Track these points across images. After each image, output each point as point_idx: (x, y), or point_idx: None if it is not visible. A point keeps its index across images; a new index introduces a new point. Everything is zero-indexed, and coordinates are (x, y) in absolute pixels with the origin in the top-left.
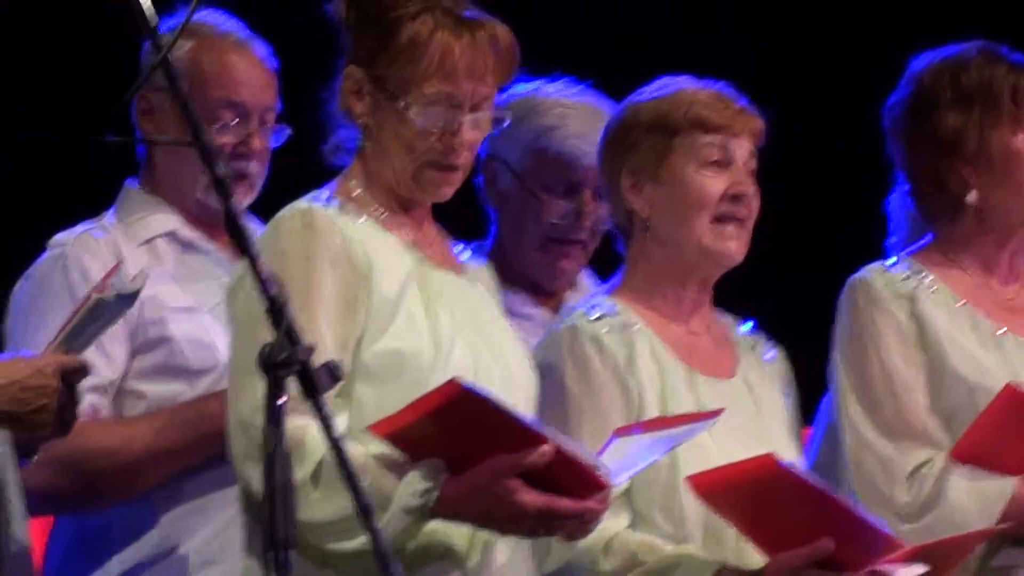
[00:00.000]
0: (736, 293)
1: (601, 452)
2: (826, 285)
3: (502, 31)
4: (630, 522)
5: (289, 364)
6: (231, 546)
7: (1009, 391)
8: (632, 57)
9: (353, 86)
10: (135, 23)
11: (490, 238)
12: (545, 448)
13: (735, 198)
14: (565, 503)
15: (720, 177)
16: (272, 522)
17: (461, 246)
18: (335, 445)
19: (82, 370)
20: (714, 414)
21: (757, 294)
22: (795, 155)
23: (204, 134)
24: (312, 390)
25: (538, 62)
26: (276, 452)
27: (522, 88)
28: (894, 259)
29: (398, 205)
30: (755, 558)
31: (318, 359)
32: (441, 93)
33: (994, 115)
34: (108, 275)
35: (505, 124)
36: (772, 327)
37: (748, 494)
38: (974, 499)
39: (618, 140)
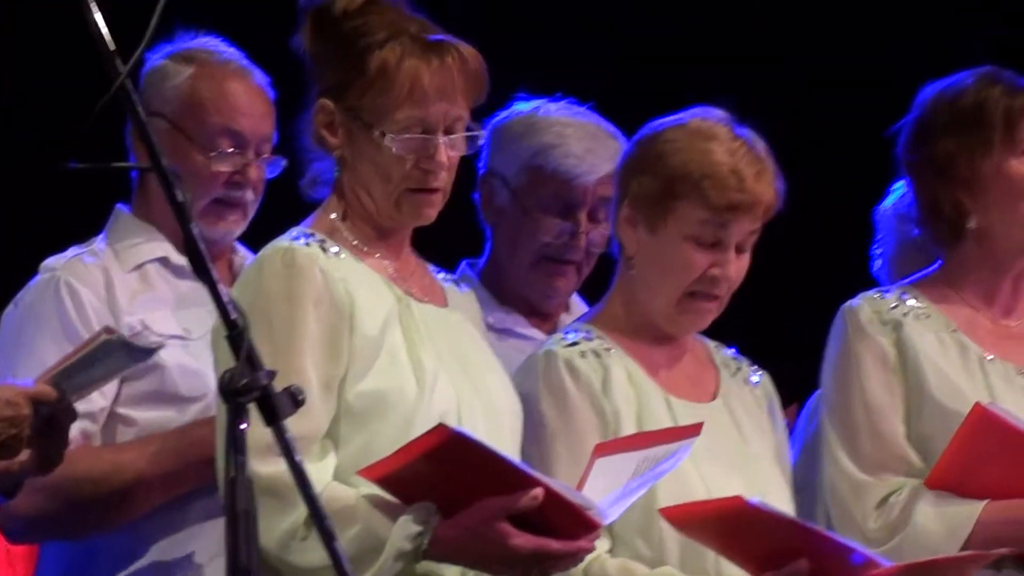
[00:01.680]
0: (730, 317)
1: (586, 475)
2: (828, 310)
3: (469, 52)
4: (611, 547)
5: (250, 390)
6: None
7: (977, 410)
8: (636, 79)
9: (325, 119)
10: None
11: (485, 255)
12: (537, 491)
13: (713, 279)
14: (557, 545)
15: (707, 255)
16: (234, 548)
17: (443, 274)
18: (299, 472)
19: (60, 404)
20: (694, 430)
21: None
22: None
23: (164, 159)
24: (273, 416)
25: (540, 83)
26: (237, 479)
27: (523, 106)
28: (890, 287)
29: (378, 235)
30: (736, 574)
31: (280, 385)
32: (414, 119)
33: (986, 140)
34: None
35: (480, 141)
36: (768, 351)
37: (721, 527)
38: (940, 523)
39: (634, 167)
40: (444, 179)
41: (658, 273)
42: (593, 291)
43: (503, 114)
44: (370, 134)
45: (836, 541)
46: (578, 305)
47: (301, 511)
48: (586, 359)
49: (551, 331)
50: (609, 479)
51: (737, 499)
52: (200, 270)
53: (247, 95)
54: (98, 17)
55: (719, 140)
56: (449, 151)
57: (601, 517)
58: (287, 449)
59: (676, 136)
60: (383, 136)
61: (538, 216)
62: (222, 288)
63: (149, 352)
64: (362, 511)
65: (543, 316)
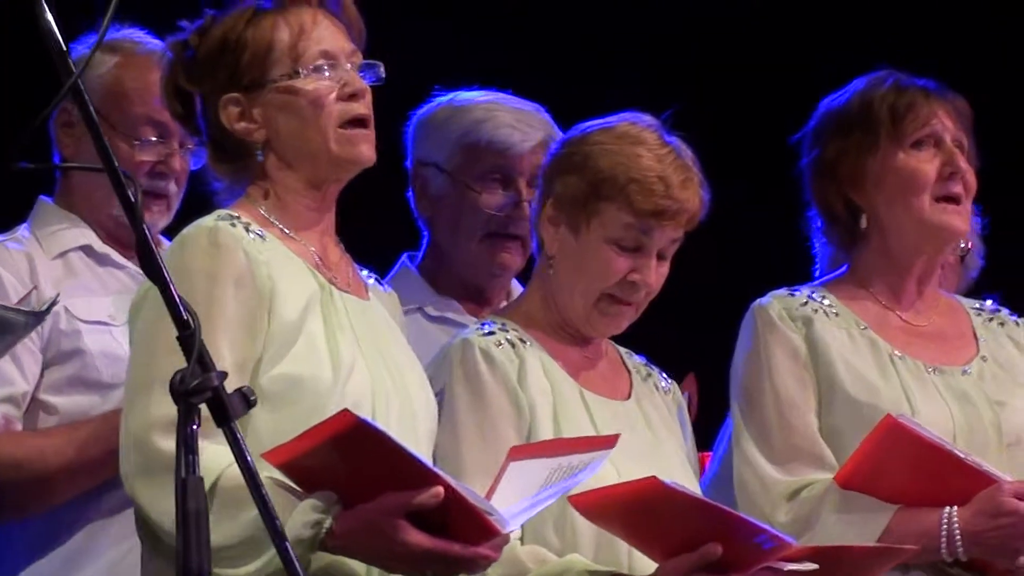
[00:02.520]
0: (647, 320)
1: (499, 478)
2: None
3: None
4: (520, 536)
5: (201, 391)
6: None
7: (888, 422)
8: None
9: (234, 112)
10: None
11: (421, 251)
12: (437, 489)
13: (632, 284)
14: (455, 548)
15: (627, 259)
16: (186, 549)
17: (366, 272)
18: (250, 474)
19: None
20: (610, 442)
21: (670, 320)
22: (722, 179)
23: (115, 160)
24: (224, 417)
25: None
26: (189, 478)
27: (442, 97)
28: (799, 287)
29: (303, 221)
30: (648, 566)
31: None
32: (318, 53)
33: (871, 137)
34: (20, 300)
35: (380, 70)
36: (681, 354)
37: (633, 512)
38: (849, 529)
39: (560, 166)
40: (368, 106)
41: (577, 274)
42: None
43: (423, 108)
44: (283, 87)
45: (749, 522)
46: (519, 293)
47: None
48: (502, 348)
49: None
50: (521, 485)
51: (652, 479)
52: (152, 269)
53: None
54: (49, 17)
55: (647, 145)
56: (361, 80)
57: (502, 524)
58: (239, 451)
59: (604, 139)
60: (296, 76)
61: (479, 190)
62: (173, 288)
63: (40, 314)
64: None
65: (484, 304)
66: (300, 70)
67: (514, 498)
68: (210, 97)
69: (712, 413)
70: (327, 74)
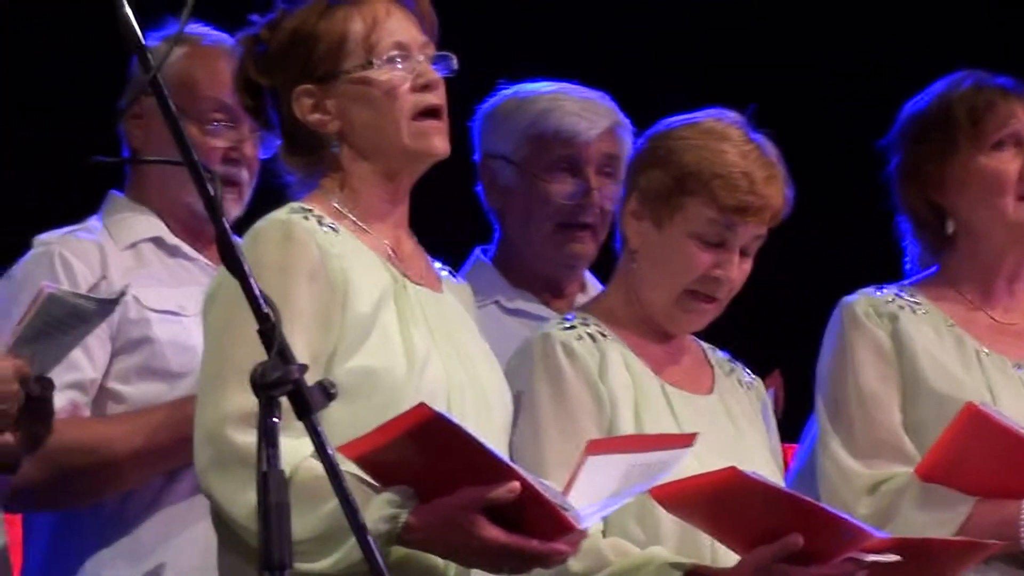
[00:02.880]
0: (731, 315)
1: (576, 473)
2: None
3: None
4: (603, 528)
5: (282, 383)
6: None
7: (969, 409)
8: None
9: (307, 104)
10: (122, 38)
11: (494, 244)
12: (513, 484)
13: (716, 280)
14: (531, 543)
15: (710, 254)
16: (267, 543)
17: (439, 264)
18: (331, 466)
19: (42, 380)
20: (689, 440)
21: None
22: (804, 180)
23: (196, 153)
24: (306, 410)
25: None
26: (270, 472)
27: (507, 90)
28: (887, 285)
29: (377, 213)
30: (731, 559)
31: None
32: (392, 44)
33: (951, 140)
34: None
35: (454, 63)
36: (766, 350)
37: (714, 503)
38: (930, 519)
39: (645, 161)
40: (441, 96)
41: (660, 269)
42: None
43: (488, 102)
44: (358, 78)
45: (830, 513)
46: (594, 285)
47: None
48: (583, 342)
49: (567, 310)
50: (597, 481)
51: (731, 469)
52: (232, 264)
53: None
54: (128, 10)
55: (732, 141)
56: (437, 72)
57: (578, 520)
58: (320, 443)
59: (689, 134)
60: (370, 66)
61: (548, 180)
62: (253, 282)
63: (111, 302)
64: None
65: (558, 295)
66: (374, 61)
67: (591, 493)
68: (283, 90)
69: (797, 407)
70: (400, 65)
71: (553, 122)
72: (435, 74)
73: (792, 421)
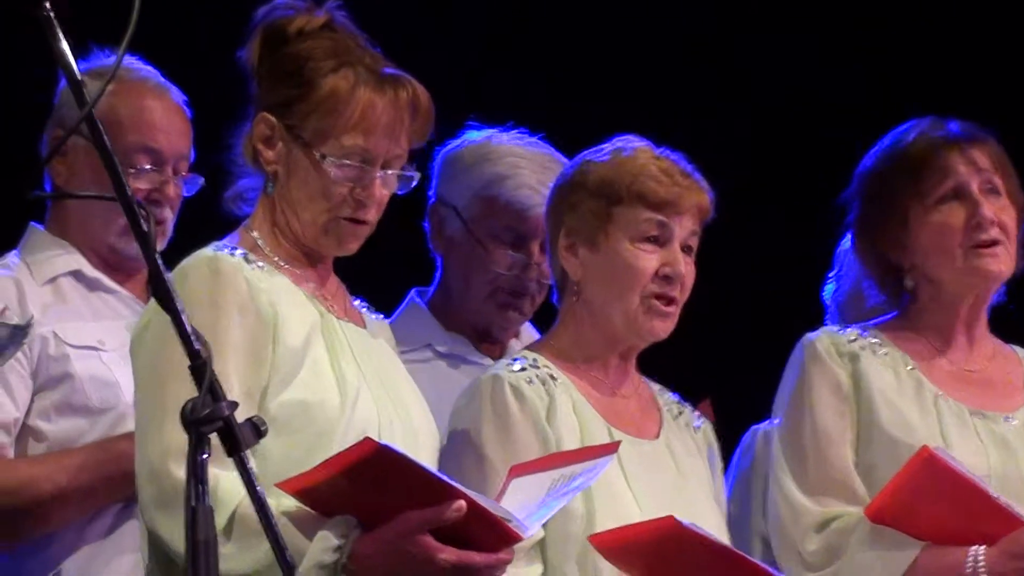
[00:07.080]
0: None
1: (501, 494)
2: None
3: (422, 92)
4: (542, 573)
5: (212, 420)
6: None
7: (923, 453)
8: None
9: (264, 132)
10: (62, 70)
11: (434, 283)
12: (460, 503)
13: (667, 278)
14: (479, 557)
15: (654, 254)
16: None
17: (358, 301)
18: (260, 504)
19: None
20: (611, 448)
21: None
22: (747, 217)
23: (129, 190)
24: (235, 447)
25: (495, 112)
26: (199, 507)
27: (475, 135)
28: (850, 325)
29: (302, 256)
30: None
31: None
32: (358, 147)
33: (896, 200)
34: None
35: (413, 183)
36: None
37: (652, 552)
38: (878, 562)
39: (563, 197)
40: (374, 214)
41: (611, 285)
42: (543, 318)
43: (454, 143)
44: (310, 155)
45: (764, 569)
46: (528, 332)
47: (220, 519)
48: (533, 385)
49: (500, 357)
50: (524, 497)
51: (669, 519)
52: (164, 300)
53: (165, 113)
54: (65, 45)
55: (642, 151)
56: (383, 188)
57: (521, 529)
58: (249, 480)
59: (599, 157)
60: (323, 159)
61: (490, 247)
62: (184, 318)
63: (22, 328)
64: (281, 523)
65: (492, 342)
66: (328, 157)
67: (519, 509)
68: (259, 94)
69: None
70: (351, 168)
71: (507, 191)
72: (377, 194)
73: (726, 452)
